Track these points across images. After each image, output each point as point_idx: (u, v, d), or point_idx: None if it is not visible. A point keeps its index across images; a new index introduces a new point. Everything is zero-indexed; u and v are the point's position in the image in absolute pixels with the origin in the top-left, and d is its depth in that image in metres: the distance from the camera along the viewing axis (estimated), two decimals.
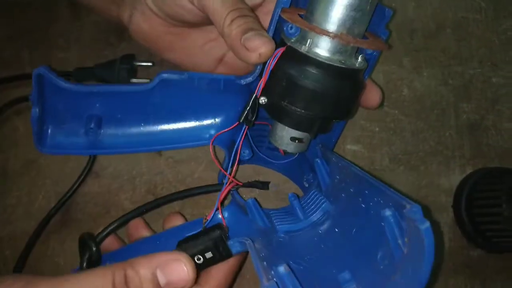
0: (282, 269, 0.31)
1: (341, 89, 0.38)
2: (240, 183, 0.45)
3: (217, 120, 0.45)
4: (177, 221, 0.46)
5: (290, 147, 0.43)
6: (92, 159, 0.53)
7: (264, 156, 0.49)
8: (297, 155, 0.47)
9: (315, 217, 0.43)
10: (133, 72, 0.54)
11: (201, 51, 0.47)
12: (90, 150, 0.46)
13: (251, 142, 0.47)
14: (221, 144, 0.44)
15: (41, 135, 0.45)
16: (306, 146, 0.44)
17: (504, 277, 0.53)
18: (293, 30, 0.38)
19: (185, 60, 0.48)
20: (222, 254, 0.40)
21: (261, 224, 0.44)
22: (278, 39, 0.40)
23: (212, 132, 0.45)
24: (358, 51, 0.40)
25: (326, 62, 0.37)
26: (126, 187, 0.53)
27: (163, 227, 0.47)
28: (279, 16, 0.39)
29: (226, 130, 0.43)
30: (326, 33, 0.36)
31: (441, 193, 0.54)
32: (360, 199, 0.37)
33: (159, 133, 0.46)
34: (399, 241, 0.30)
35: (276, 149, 0.45)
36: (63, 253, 0.51)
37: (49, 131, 0.46)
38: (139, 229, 0.47)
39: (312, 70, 0.37)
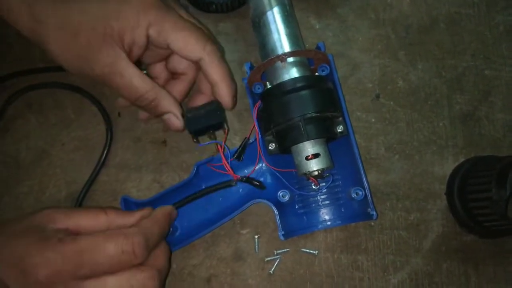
0: None
1: (294, 94, 0.48)
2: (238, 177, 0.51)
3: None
4: None
5: (313, 166, 0.47)
6: (107, 151, 0.56)
7: (305, 193, 0.54)
8: (331, 180, 0.52)
9: None
10: None
11: None
12: (173, 247, 0.51)
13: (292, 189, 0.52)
14: None
15: None
16: (328, 160, 0.48)
17: (497, 262, 0.54)
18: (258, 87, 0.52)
19: None
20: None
21: None
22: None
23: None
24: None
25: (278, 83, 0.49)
26: (133, 176, 0.56)
27: None
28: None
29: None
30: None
31: (434, 181, 0.56)
32: None
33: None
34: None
35: (311, 184, 0.52)
36: None
37: None
38: None
39: (274, 95, 0.49)
